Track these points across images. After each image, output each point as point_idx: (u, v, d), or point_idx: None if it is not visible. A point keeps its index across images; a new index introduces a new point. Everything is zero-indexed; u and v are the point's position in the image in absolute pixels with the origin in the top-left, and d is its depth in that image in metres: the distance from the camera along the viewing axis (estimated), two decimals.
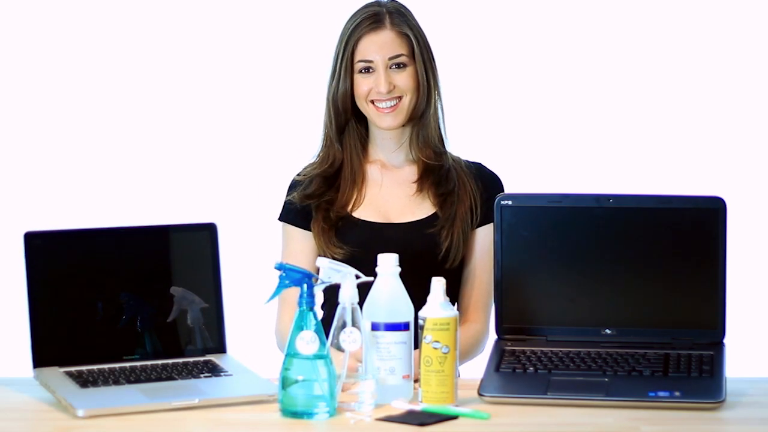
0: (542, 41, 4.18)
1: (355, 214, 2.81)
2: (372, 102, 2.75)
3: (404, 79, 2.75)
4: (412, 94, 2.77)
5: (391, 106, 2.75)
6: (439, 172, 2.80)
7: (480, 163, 2.87)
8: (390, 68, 2.75)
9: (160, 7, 4.20)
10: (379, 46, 2.75)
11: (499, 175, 2.87)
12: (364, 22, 2.76)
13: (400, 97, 2.75)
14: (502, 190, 2.82)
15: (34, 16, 4.19)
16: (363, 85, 2.75)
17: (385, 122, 2.76)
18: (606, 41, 4.17)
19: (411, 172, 2.84)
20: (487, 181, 2.84)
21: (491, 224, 2.78)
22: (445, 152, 2.82)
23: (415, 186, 2.81)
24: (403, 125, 2.79)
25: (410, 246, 2.64)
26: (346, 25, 2.79)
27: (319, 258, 2.42)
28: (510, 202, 2.53)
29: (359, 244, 2.75)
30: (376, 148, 2.84)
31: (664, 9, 4.15)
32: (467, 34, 4.17)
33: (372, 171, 2.84)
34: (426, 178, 2.81)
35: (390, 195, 2.83)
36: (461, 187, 2.81)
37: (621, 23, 4.16)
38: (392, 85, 2.74)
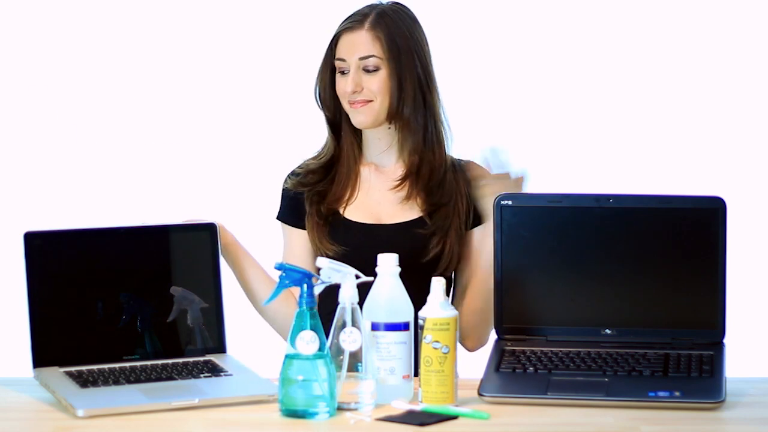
0: (542, 42, 4.18)
1: (347, 215, 2.81)
2: (349, 103, 2.76)
3: (375, 83, 2.74)
4: (383, 98, 2.75)
5: (361, 102, 2.75)
6: (429, 180, 2.79)
7: (471, 161, 2.86)
8: (362, 70, 2.75)
9: (160, 7, 4.20)
10: (351, 45, 2.75)
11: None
12: (347, 21, 2.78)
13: (370, 100, 2.75)
14: None
15: (35, 16, 4.18)
16: (340, 86, 2.77)
17: (357, 119, 2.76)
18: (606, 41, 4.17)
19: (400, 175, 2.83)
20: None
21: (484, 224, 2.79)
22: (440, 160, 2.81)
23: (401, 190, 2.81)
24: (388, 126, 2.78)
25: (401, 246, 2.64)
26: None
27: (319, 258, 2.42)
28: (510, 202, 2.53)
29: (351, 244, 2.75)
30: (368, 150, 2.84)
31: (664, 9, 4.14)
32: (468, 34, 4.17)
33: (365, 173, 2.85)
34: (410, 182, 2.79)
35: (381, 197, 2.83)
36: (458, 197, 2.80)
37: (621, 23, 4.16)
38: (360, 87, 2.74)
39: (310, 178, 2.83)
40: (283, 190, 2.87)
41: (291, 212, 2.84)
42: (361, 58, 2.74)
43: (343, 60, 2.75)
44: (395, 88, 2.75)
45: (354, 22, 2.76)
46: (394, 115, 2.76)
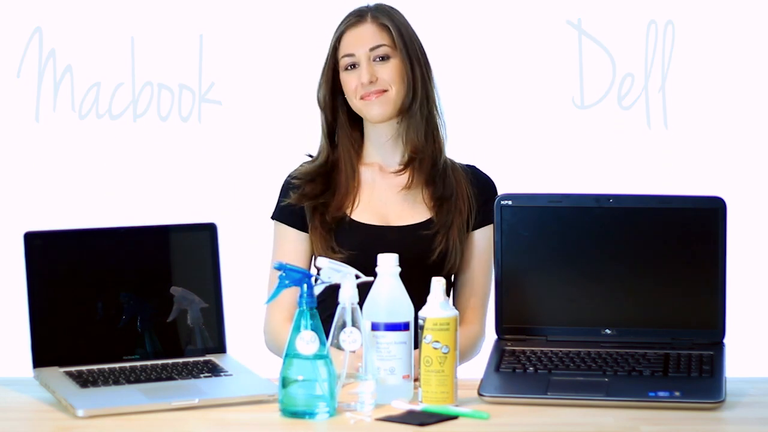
0: (542, 41, 4.17)
1: (354, 217, 2.80)
2: (361, 97, 2.76)
3: (388, 72, 2.75)
4: (399, 87, 2.76)
5: (377, 92, 2.75)
6: (431, 170, 2.80)
7: (474, 166, 2.87)
8: (374, 61, 2.75)
9: (159, 6, 4.20)
10: (359, 39, 2.76)
11: (492, 178, 2.86)
12: (347, 20, 2.79)
13: (385, 90, 2.76)
14: (496, 193, 2.82)
15: (34, 16, 4.19)
16: (350, 82, 2.76)
17: (373, 112, 2.75)
18: (605, 41, 4.17)
19: (407, 176, 2.83)
20: (481, 184, 2.84)
21: (486, 227, 2.79)
22: (439, 150, 2.81)
23: (406, 186, 2.80)
24: (396, 120, 2.78)
25: (409, 249, 2.64)
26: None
27: (319, 258, 2.42)
28: (510, 202, 2.53)
29: (358, 246, 2.74)
30: (372, 150, 2.84)
31: (664, 7, 4.14)
32: (466, 34, 4.17)
33: (368, 174, 2.84)
34: (416, 172, 2.79)
35: (388, 198, 2.82)
36: (459, 195, 2.80)
37: (620, 21, 4.16)
38: (375, 77, 2.74)
39: (310, 188, 2.81)
40: (280, 201, 2.85)
41: (290, 214, 2.83)
42: (372, 49, 2.75)
43: (351, 55, 2.75)
44: (408, 75, 2.76)
45: (355, 18, 2.77)
46: (408, 104, 2.76)
